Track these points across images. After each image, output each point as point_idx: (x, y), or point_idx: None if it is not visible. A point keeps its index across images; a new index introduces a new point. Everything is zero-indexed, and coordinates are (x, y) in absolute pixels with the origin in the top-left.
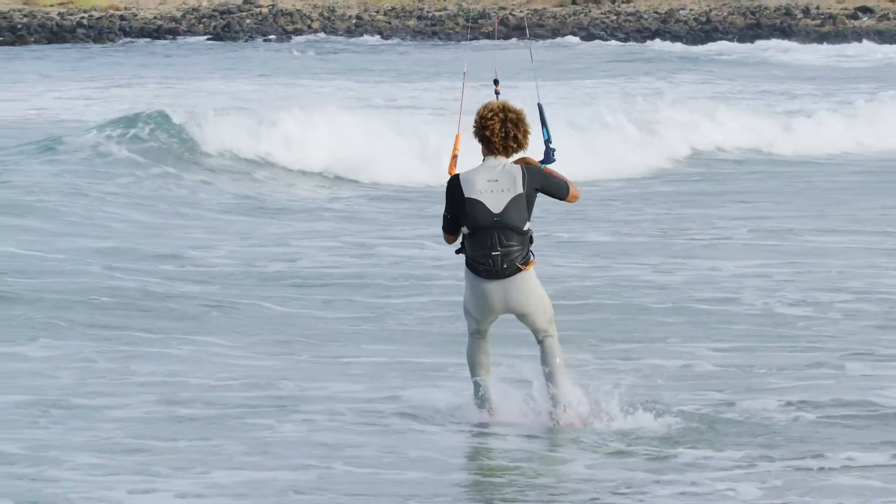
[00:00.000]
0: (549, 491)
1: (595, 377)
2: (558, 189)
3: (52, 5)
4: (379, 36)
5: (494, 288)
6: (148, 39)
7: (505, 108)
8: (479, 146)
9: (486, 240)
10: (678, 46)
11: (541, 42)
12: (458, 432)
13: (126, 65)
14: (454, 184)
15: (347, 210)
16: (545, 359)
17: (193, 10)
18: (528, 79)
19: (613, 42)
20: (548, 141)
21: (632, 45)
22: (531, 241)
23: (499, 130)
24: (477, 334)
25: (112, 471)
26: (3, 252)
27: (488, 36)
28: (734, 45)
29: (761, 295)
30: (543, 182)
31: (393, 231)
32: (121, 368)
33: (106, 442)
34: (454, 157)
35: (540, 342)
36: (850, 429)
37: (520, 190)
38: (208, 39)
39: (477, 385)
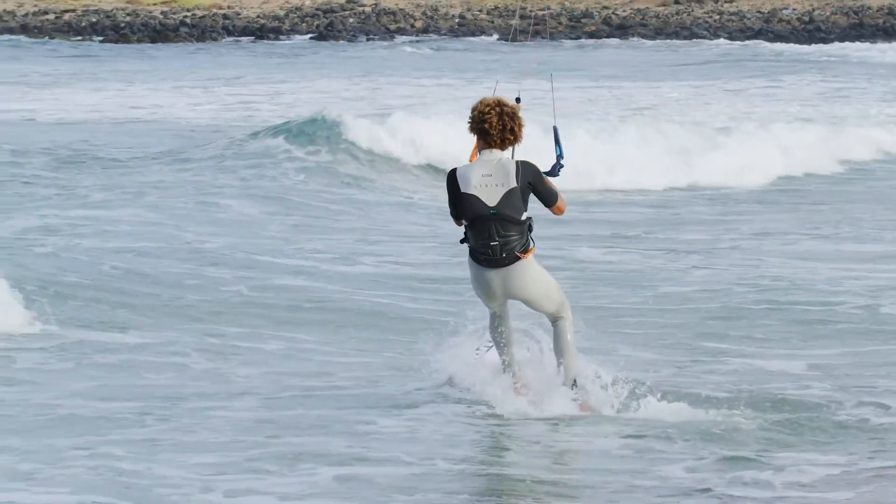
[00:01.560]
0: (653, 492)
1: (692, 378)
2: (547, 195)
3: (155, 4)
4: (488, 34)
5: (494, 276)
6: (251, 38)
7: (500, 103)
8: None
9: (484, 231)
10: (788, 46)
11: (648, 42)
12: (558, 431)
13: (231, 64)
14: (451, 179)
15: (445, 208)
16: (556, 342)
17: (296, 9)
18: (624, 79)
19: (719, 41)
20: (560, 156)
21: (737, 44)
22: (530, 230)
23: (496, 123)
24: (494, 313)
25: (217, 470)
26: (104, 248)
27: (592, 35)
28: (845, 45)
29: (861, 297)
30: (536, 180)
31: None
32: (218, 367)
33: (209, 442)
34: (476, 147)
35: (553, 324)
36: None
37: (513, 184)
38: (311, 38)
39: (503, 362)
